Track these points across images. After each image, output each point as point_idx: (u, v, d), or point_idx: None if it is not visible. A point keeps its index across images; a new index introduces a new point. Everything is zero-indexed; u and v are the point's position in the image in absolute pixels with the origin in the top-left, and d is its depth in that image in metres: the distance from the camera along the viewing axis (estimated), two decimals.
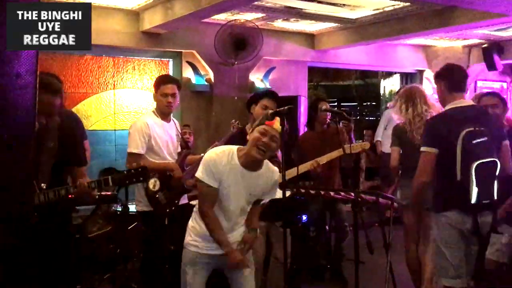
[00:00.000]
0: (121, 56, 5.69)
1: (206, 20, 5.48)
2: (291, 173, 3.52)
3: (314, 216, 4.86)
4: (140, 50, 5.65)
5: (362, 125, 10.63)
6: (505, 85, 8.23)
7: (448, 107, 3.01)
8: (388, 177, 7.25)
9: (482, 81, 7.98)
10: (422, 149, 2.99)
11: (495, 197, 2.87)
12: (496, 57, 6.95)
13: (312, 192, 3.77)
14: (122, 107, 5.74)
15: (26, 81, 1.66)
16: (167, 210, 3.43)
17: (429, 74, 7.93)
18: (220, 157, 2.67)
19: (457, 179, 2.83)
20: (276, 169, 2.84)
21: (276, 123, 2.66)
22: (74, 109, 5.34)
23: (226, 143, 3.65)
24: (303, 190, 3.74)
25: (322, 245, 5.08)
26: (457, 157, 2.82)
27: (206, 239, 2.73)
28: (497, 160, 2.83)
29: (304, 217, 4.96)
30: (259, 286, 3.68)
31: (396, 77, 8.22)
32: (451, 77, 3.04)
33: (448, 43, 7.40)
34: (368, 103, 12.11)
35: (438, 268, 3.09)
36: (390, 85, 8.43)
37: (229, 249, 2.69)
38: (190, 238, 2.79)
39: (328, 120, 4.55)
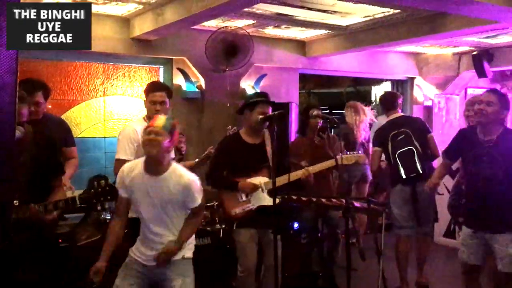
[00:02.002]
0: (111, 63, 5.65)
1: (197, 27, 5.47)
2: (283, 180, 3.51)
3: (306, 223, 4.84)
4: (131, 56, 5.61)
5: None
6: None
7: (387, 120, 4.71)
8: (380, 184, 7.29)
9: (473, 88, 8.02)
10: (373, 148, 4.73)
11: (420, 171, 4.31)
12: (486, 64, 6.99)
13: (304, 199, 3.77)
14: (112, 114, 5.70)
15: (5, 81, 1.65)
16: None
17: (419, 81, 7.97)
18: (130, 166, 2.85)
19: (392, 164, 4.45)
20: (187, 173, 2.85)
21: (157, 120, 2.77)
22: (63, 116, 5.27)
23: (218, 144, 3.63)
24: (294, 197, 3.74)
25: (314, 252, 5.07)
26: (389, 150, 4.47)
27: (138, 247, 2.85)
28: (412, 148, 4.36)
29: (296, 224, 4.94)
30: None
31: (387, 84, 8.25)
32: (387, 102, 4.76)
33: (439, 50, 7.44)
34: None
35: (392, 223, 4.58)
36: (381, 92, 8.44)
37: (94, 268, 2.77)
38: (134, 245, 2.91)
39: (319, 126, 4.55)
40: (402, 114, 4.85)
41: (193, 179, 2.82)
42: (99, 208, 4.38)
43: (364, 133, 5.86)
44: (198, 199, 2.84)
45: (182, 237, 2.84)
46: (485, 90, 3.68)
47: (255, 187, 3.60)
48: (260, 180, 3.65)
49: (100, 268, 2.76)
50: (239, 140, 3.72)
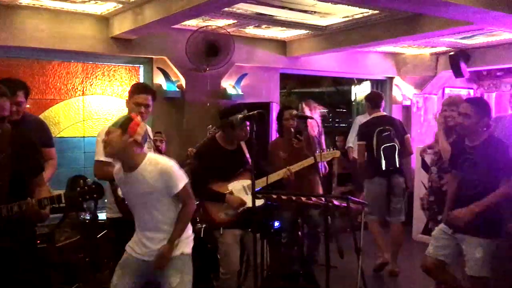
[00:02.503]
0: (90, 62, 5.60)
1: (177, 26, 5.46)
2: (263, 181, 3.54)
3: (286, 223, 4.88)
4: (110, 56, 5.57)
5: (334, 132, 10.73)
6: (471, 92, 8.43)
7: (371, 117, 5.15)
8: (360, 183, 7.37)
9: (450, 88, 8.16)
10: (358, 142, 5.24)
11: (397, 166, 4.90)
12: (462, 65, 7.12)
13: (284, 197, 3.79)
14: (92, 114, 5.64)
15: None
16: None
17: (398, 81, 8.08)
18: (116, 169, 2.90)
19: (375, 156, 4.89)
20: (164, 159, 2.84)
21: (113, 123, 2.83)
22: (41, 116, 5.21)
23: (196, 152, 3.64)
24: (275, 196, 3.76)
25: (295, 251, 5.10)
26: (374, 144, 4.89)
27: (136, 242, 2.85)
28: (395, 144, 4.88)
29: (276, 223, 4.97)
30: None
31: (367, 84, 8.34)
32: (373, 100, 5.20)
33: (417, 51, 7.55)
34: (340, 110, 12.23)
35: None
36: (361, 92, 8.54)
37: None
38: (130, 242, 2.91)
39: (293, 128, 4.61)
40: (385, 113, 5.32)
41: (171, 164, 2.78)
42: (84, 206, 4.40)
43: (317, 128, 6.05)
44: (179, 183, 2.76)
45: (174, 236, 2.79)
46: (465, 99, 3.72)
47: (241, 204, 3.62)
48: (242, 183, 3.67)
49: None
50: (217, 147, 3.72)
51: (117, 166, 2.88)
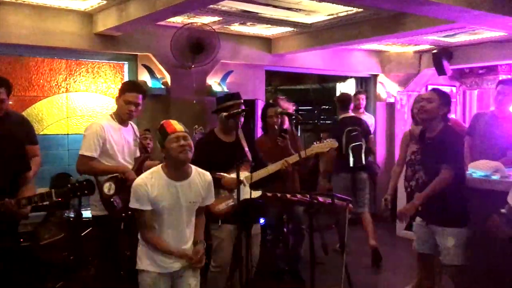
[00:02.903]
0: (74, 59, 5.54)
1: (162, 23, 5.43)
2: (263, 173, 3.58)
3: (271, 220, 4.90)
4: (94, 52, 5.52)
5: (319, 129, 10.77)
6: (454, 89, 8.55)
7: (340, 117, 5.64)
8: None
9: (433, 86, 8.25)
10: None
11: (363, 163, 5.45)
12: (445, 63, 7.21)
13: (269, 194, 3.82)
14: (76, 111, 5.59)
15: None
16: (123, 215, 3.36)
17: (382, 79, 8.15)
18: (148, 178, 2.77)
19: (343, 154, 5.32)
20: (207, 172, 2.94)
21: (177, 125, 2.79)
22: (24, 113, 5.15)
23: (195, 146, 3.66)
24: (269, 194, 3.78)
25: (280, 248, 5.13)
26: (343, 143, 5.30)
27: (157, 259, 2.79)
28: (362, 143, 5.41)
29: (262, 220, 4.99)
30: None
31: (351, 81, 8.39)
32: (343, 102, 5.70)
33: (400, 49, 7.63)
34: (325, 107, 12.29)
35: None
36: (346, 89, 8.60)
37: (181, 252, 2.80)
38: (146, 262, 2.81)
39: (277, 126, 4.65)
40: (353, 114, 5.85)
41: (209, 174, 2.96)
42: (76, 202, 4.36)
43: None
44: (213, 196, 3.01)
45: (201, 237, 2.95)
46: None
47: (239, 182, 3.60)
48: (240, 175, 3.67)
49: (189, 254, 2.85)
50: (215, 140, 3.74)
51: (145, 177, 2.79)
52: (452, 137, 3.44)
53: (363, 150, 5.44)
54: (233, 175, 3.61)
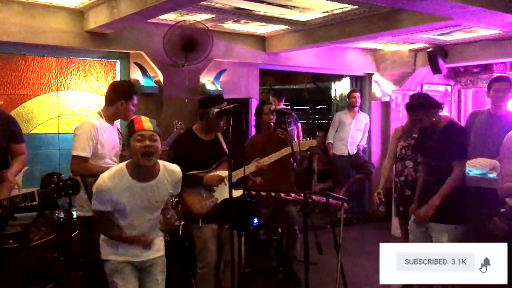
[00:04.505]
0: (65, 57, 5.45)
1: (155, 20, 5.36)
2: (238, 174, 3.51)
3: (265, 219, 4.85)
4: (85, 50, 5.43)
5: (314, 128, 10.74)
6: (449, 88, 8.52)
7: None
8: (339, 179, 7.39)
9: (428, 84, 8.23)
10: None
11: None
12: (440, 61, 7.17)
13: (263, 194, 3.76)
14: (66, 110, 5.50)
15: None
16: None
17: (377, 77, 8.11)
18: (110, 179, 2.63)
19: None
20: (174, 166, 2.84)
21: (146, 122, 2.63)
22: (14, 112, 5.07)
23: (173, 144, 3.63)
24: (254, 192, 3.72)
25: (274, 248, 5.08)
26: None
27: (124, 249, 2.78)
28: None
29: (256, 220, 4.93)
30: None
31: (346, 80, 8.35)
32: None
33: (395, 47, 7.58)
34: (320, 106, 12.27)
35: None
36: (340, 88, 8.55)
37: (132, 237, 2.76)
38: (109, 251, 2.80)
39: (272, 123, 4.61)
40: None
41: (179, 170, 2.86)
42: (59, 203, 4.31)
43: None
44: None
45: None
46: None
47: (220, 179, 3.57)
48: (220, 174, 3.62)
49: (144, 238, 2.80)
50: (194, 138, 3.71)
51: (107, 176, 2.65)
52: (459, 132, 3.44)
53: None
54: (213, 173, 3.58)
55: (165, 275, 2.94)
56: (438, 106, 3.52)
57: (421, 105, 3.49)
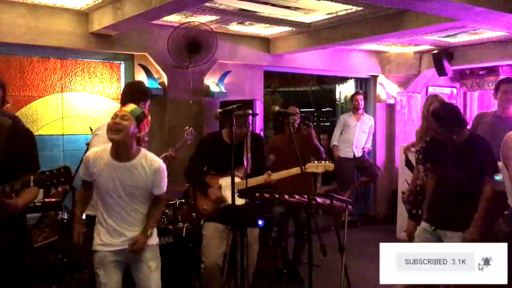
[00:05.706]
0: (69, 58, 5.46)
1: (159, 22, 5.36)
2: (253, 182, 3.61)
3: (278, 217, 4.87)
4: (90, 52, 5.44)
5: (319, 130, 10.73)
6: (455, 90, 8.48)
7: None
8: (344, 181, 7.36)
9: (433, 87, 8.19)
10: None
11: None
12: (446, 63, 7.13)
13: (267, 195, 3.79)
14: (71, 111, 5.51)
15: None
16: None
17: (382, 80, 8.08)
18: (96, 152, 2.90)
19: None
20: (158, 159, 2.96)
21: (127, 107, 2.88)
22: (18, 113, 5.08)
23: (198, 143, 3.75)
24: (257, 194, 3.74)
25: (280, 249, 5.09)
26: None
27: (111, 234, 2.88)
28: None
29: (260, 222, 4.91)
30: None
31: (351, 82, 8.32)
32: None
33: (400, 49, 7.56)
34: (325, 109, 12.26)
35: None
36: (345, 90, 8.53)
37: (75, 222, 3.01)
38: (96, 242, 2.93)
39: (296, 123, 4.74)
40: None
41: (164, 166, 2.94)
42: (53, 191, 4.32)
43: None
44: (164, 186, 2.95)
45: (148, 228, 2.94)
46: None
47: (219, 199, 3.69)
48: (222, 195, 3.72)
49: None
50: (219, 140, 3.80)
51: (97, 149, 2.90)
52: (485, 147, 3.34)
53: None
54: (226, 179, 3.63)
55: (158, 263, 3.00)
56: (466, 124, 3.45)
57: (457, 121, 3.38)
